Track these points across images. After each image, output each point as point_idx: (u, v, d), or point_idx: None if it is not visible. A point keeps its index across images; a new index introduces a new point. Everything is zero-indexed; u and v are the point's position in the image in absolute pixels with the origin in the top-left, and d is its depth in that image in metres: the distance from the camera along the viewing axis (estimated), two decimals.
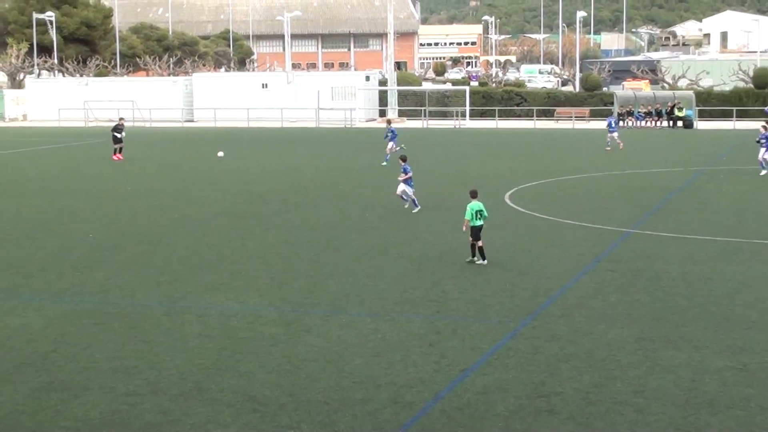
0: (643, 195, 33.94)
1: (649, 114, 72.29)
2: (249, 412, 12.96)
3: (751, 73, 79.64)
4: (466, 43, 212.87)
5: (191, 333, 16.69)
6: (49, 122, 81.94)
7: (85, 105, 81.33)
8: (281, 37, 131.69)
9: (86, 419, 12.78)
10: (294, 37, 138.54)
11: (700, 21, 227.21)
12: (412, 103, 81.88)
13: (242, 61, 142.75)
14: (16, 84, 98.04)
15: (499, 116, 76.43)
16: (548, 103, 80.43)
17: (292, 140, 62.76)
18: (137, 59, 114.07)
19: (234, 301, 19.05)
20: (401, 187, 29.76)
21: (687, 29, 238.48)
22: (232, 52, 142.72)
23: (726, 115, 72.18)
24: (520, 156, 50.15)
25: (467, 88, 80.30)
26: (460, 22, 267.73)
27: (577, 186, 36.89)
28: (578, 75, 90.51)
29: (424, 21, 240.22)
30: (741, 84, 79.75)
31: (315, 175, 41.05)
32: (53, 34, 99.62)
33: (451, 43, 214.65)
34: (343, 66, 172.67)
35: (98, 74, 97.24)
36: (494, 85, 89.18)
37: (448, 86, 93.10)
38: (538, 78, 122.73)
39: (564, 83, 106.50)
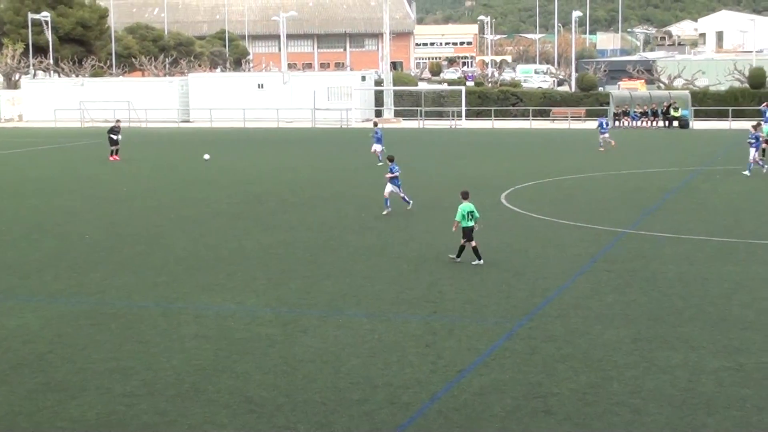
0: (640, 195, 33.96)
1: (644, 114, 72.33)
2: (246, 412, 12.96)
3: (747, 73, 79.70)
4: (461, 43, 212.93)
5: (188, 334, 16.69)
6: (45, 123, 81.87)
7: (81, 105, 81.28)
8: (277, 37, 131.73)
9: (83, 420, 12.77)
10: (290, 37, 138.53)
11: (696, 21, 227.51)
12: (408, 103, 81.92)
13: (238, 61, 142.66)
14: (11, 84, 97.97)
15: (495, 116, 76.46)
16: (544, 103, 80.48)
17: (289, 140, 62.76)
18: (133, 59, 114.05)
19: (231, 301, 19.05)
20: (389, 187, 29.54)
21: (683, 29, 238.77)
22: (227, 52, 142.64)
23: (722, 114, 72.26)
24: (516, 156, 50.17)
25: (463, 88, 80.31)
26: (455, 22, 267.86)
27: (574, 186, 36.91)
28: (574, 75, 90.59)
29: (420, 21, 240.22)
30: (737, 84, 79.83)
31: (311, 176, 41.05)
32: (49, 34, 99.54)
33: (446, 43, 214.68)
34: (339, 66, 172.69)
35: (94, 74, 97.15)
36: (490, 85, 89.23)
37: (444, 86, 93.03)
38: (533, 78, 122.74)
39: (560, 83, 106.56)
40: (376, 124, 48.69)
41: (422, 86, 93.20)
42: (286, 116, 78.58)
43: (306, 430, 12.36)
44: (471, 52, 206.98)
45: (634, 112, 72.60)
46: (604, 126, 52.88)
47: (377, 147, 45.15)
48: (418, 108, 78.01)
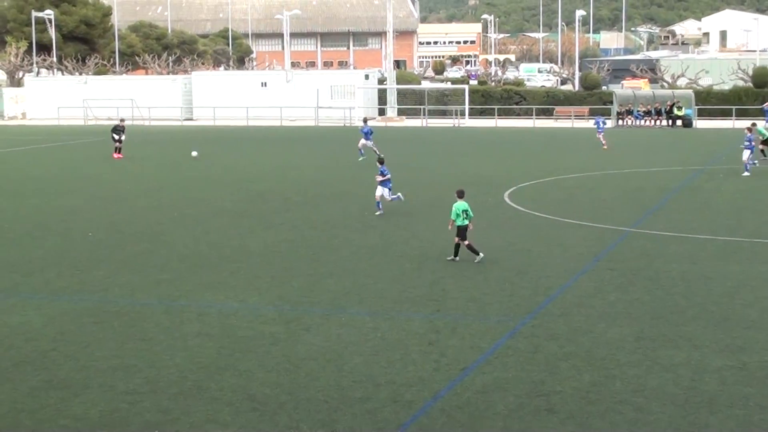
0: (643, 194, 33.94)
1: (648, 113, 72.27)
2: (248, 410, 12.96)
3: (751, 72, 79.65)
4: (465, 42, 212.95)
5: (191, 332, 16.69)
6: (48, 120, 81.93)
7: (84, 103, 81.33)
8: (280, 35, 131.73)
9: (86, 418, 12.77)
10: (293, 35, 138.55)
11: (700, 20, 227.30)
12: (412, 101, 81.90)
13: (241, 59, 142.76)
14: (15, 82, 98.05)
15: (498, 115, 76.45)
16: (547, 102, 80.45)
17: (291, 139, 62.76)
18: (136, 58, 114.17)
19: (233, 299, 19.05)
20: (380, 190, 29.20)
21: (686, 28, 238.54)
22: (231, 50, 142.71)
23: (725, 114, 72.19)
24: (519, 155, 50.15)
25: (466, 87, 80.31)
26: (459, 20, 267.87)
27: (577, 185, 36.88)
28: (577, 74, 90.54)
29: (424, 20, 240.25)
30: (740, 83, 79.77)
31: (314, 174, 41.05)
32: (52, 32, 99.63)
33: (450, 42, 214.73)
34: (343, 65, 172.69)
35: (97, 72, 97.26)
36: (493, 83, 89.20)
37: (447, 85, 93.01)
38: (537, 77, 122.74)
39: (563, 82, 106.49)
40: (366, 121, 48.61)
41: (425, 85, 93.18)
42: (289, 114, 78.59)
43: (309, 428, 12.36)
44: (474, 50, 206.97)
45: (638, 111, 72.55)
46: (600, 126, 52.99)
47: (366, 142, 45.08)
48: (422, 106, 77.99)
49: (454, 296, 19.10)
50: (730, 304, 18.40)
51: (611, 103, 74.44)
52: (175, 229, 27.65)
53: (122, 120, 52.04)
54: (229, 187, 36.66)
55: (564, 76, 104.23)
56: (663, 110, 71.54)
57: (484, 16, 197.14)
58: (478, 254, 22.12)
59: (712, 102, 75.48)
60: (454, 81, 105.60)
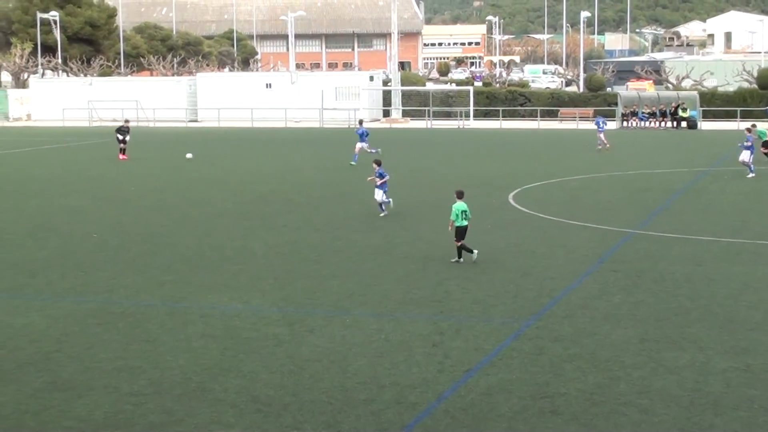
0: (647, 196, 33.91)
1: (653, 114, 72.19)
2: (252, 412, 12.96)
3: (756, 74, 79.53)
4: (469, 44, 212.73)
5: (194, 333, 16.69)
6: (53, 122, 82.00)
7: (89, 105, 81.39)
8: (285, 37, 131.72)
9: (90, 419, 12.77)
10: (298, 37, 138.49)
11: (705, 21, 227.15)
12: (416, 103, 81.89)
13: (246, 61, 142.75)
14: (20, 84, 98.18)
15: (502, 116, 76.41)
16: (552, 103, 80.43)
17: (296, 140, 62.78)
18: (141, 59, 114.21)
19: (237, 301, 19.05)
20: (379, 193, 28.98)
21: (691, 30, 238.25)
22: (235, 52, 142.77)
23: (730, 115, 72.08)
24: (523, 156, 50.12)
25: (471, 89, 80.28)
26: (463, 22, 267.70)
27: (581, 187, 36.86)
28: (582, 75, 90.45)
29: (428, 21, 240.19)
30: (745, 84, 79.67)
31: (318, 175, 41.06)
32: (57, 33, 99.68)
33: (454, 44, 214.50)
34: (347, 66, 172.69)
35: (102, 74, 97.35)
36: (498, 85, 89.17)
37: (450, 87, 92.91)
38: (541, 78, 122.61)
39: (568, 83, 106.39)
40: (361, 123, 48.50)
41: (430, 86, 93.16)
42: (293, 116, 78.62)
43: (313, 430, 12.35)
44: (479, 52, 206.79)
45: (642, 112, 72.45)
46: (601, 125, 53.02)
47: (362, 145, 44.85)
48: (426, 108, 77.98)
49: (459, 298, 19.09)
50: (734, 305, 18.37)
51: (616, 104, 74.36)
52: (179, 230, 27.66)
53: (127, 121, 52.09)
54: (233, 189, 36.67)
55: (569, 77, 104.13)
56: (668, 112, 71.46)
57: (489, 17, 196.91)
58: (472, 252, 22.14)
59: (716, 103, 75.39)
60: (458, 82, 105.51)
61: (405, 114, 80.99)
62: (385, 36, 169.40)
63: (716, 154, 49.54)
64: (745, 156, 38.81)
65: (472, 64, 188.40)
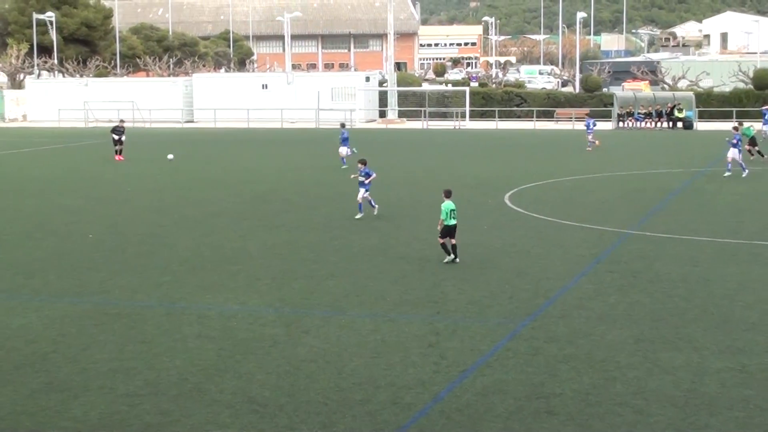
0: (643, 196, 33.95)
1: (649, 115, 72.29)
2: (248, 412, 12.97)
3: (751, 74, 79.65)
4: (466, 44, 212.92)
5: (191, 334, 16.70)
6: (49, 123, 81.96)
7: (85, 105, 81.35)
8: (281, 37, 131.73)
9: (86, 420, 12.78)
10: (294, 37, 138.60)
11: (700, 22, 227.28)
12: (412, 103, 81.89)
13: (242, 61, 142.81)
14: (16, 84, 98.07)
15: (499, 117, 76.46)
16: (548, 104, 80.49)
17: (293, 141, 62.78)
18: (137, 60, 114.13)
19: (234, 301, 19.05)
20: (362, 192, 28.74)
21: (687, 30, 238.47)
22: (232, 52, 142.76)
23: (726, 116, 72.18)
24: (520, 157, 50.17)
25: (467, 89, 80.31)
26: (460, 22, 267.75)
27: (577, 187, 36.89)
28: (578, 76, 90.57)
29: (424, 22, 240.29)
30: (741, 85, 79.77)
31: (315, 176, 41.06)
32: (53, 34, 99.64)
33: (451, 44, 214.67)
34: (343, 67, 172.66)
35: (98, 75, 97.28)
36: (494, 85, 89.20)
37: (445, 87, 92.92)
38: (538, 79, 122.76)
39: (564, 84, 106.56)
40: (343, 126, 48.28)
41: (426, 87, 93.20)
42: (290, 116, 78.61)
43: (309, 430, 12.36)
44: (475, 52, 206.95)
45: (638, 113, 72.55)
46: (591, 126, 53.28)
47: (343, 150, 44.53)
48: (422, 108, 78.01)
49: (454, 298, 19.11)
50: (730, 306, 18.40)
51: (612, 105, 74.44)
52: (176, 230, 27.66)
53: (122, 121, 52.11)
54: (230, 189, 36.68)
55: (565, 78, 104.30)
56: (664, 112, 71.58)
57: (485, 18, 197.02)
58: (450, 256, 22.22)
59: (712, 104, 75.51)
60: (454, 83, 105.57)
61: (401, 115, 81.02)
62: (382, 37, 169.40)
63: (712, 155, 49.55)
64: (734, 153, 38.83)
65: (468, 64, 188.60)
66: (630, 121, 72.53)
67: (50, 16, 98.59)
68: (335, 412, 12.93)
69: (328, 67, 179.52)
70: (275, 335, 16.57)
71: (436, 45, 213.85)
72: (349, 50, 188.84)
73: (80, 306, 18.81)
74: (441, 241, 22.37)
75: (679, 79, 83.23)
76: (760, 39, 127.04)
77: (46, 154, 54.87)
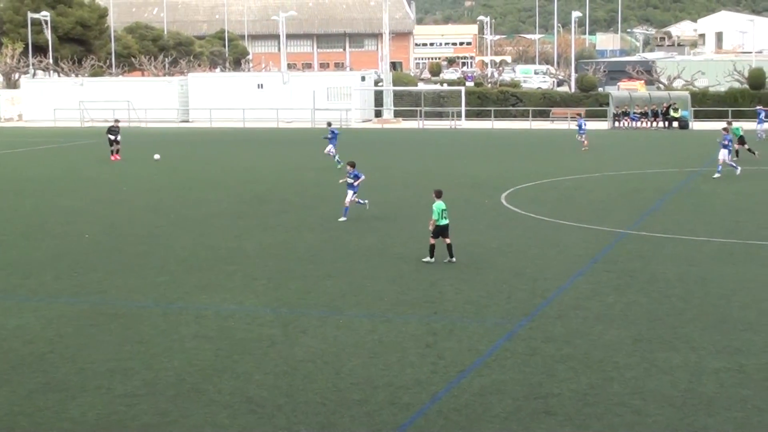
0: (640, 196, 33.97)
1: (644, 114, 72.30)
2: (246, 413, 12.96)
3: (746, 74, 79.68)
4: (461, 44, 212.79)
5: (188, 334, 16.69)
6: (45, 122, 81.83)
7: (81, 105, 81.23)
8: (276, 37, 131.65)
9: (83, 420, 12.77)
10: (289, 37, 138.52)
11: (696, 21, 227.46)
12: (408, 103, 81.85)
13: (237, 61, 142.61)
14: (11, 84, 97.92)
15: (494, 117, 76.42)
16: (544, 103, 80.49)
17: (288, 141, 62.73)
18: (132, 59, 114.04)
19: (231, 302, 19.04)
20: (350, 195, 28.52)
21: (682, 30, 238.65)
22: (227, 52, 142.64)
23: (721, 115, 72.07)
24: (516, 157, 50.19)
25: (463, 89, 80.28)
26: (455, 22, 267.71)
27: (574, 187, 36.91)
28: (573, 75, 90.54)
29: (420, 21, 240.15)
30: (736, 84, 79.79)
31: (311, 176, 41.03)
32: (48, 33, 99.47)
33: (446, 44, 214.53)
34: (339, 66, 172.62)
35: (93, 74, 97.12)
36: (490, 85, 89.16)
37: (441, 87, 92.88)
38: (533, 78, 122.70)
39: (559, 84, 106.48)
40: (330, 124, 48.16)
41: (422, 86, 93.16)
42: (285, 116, 78.55)
43: (306, 431, 12.36)
44: (471, 52, 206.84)
45: (634, 112, 72.57)
46: (582, 127, 53.41)
47: (331, 149, 44.42)
48: (418, 108, 77.99)
49: (452, 298, 19.11)
50: (727, 306, 18.42)
51: (607, 104, 74.45)
52: (173, 231, 27.64)
53: (116, 121, 52.06)
54: (226, 189, 36.65)
55: (560, 77, 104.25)
56: (659, 112, 71.59)
57: (480, 17, 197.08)
58: (431, 258, 22.30)
59: (708, 103, 75.52)
60: (450, 83, 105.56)
61: (397, 114, 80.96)
62: (377, 36, 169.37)
63: (708, 154, 49.55)
64: (724, 155, 38.85)
65: (463, 64, 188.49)
66: (625, 120, 72.53)
67: (45, 15, 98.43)
68: (333, 413, 12.93)
69: (324, 66, 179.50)
70: (273, 335, 16.57)
71: (432, 44, 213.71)
72: (345, 50, 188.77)
73: (77, 306, 18.79)
74: (432, 241, 22.37)
75: (675, 78, 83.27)
76: (755, 38, 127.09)
77: (41, 153, 54.80)
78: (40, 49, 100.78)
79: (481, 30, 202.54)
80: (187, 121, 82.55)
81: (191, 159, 49.62)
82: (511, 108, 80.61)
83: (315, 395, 13.59)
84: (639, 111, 72.59)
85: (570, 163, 45.58)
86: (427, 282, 20.52)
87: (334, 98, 79.60)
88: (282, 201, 33.39)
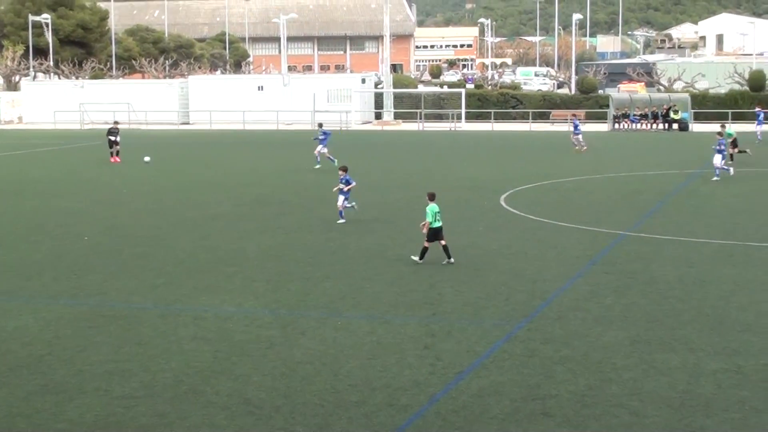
0: (639, 197, 33.97)
1: (644, 116, 72.32)
2: (244, 414, 12.96)
3: (747, 76, 79.72)
4: (462, 46, 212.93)
5: (187, 336, 16.69)
6: (45, 124, 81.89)
7: (81, 107, 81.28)
8: (277, 39, 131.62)
9: (81, 422, 12.77)
10: (290, 39, 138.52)
11: (696, 24, 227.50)
12: (408, 105, 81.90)
13: (238, 63, 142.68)
14: (11, 86, 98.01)
15: (494, 119, 76.45)
16: (544, 105, 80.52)
17: (288, 143, 62.74)
18: (133, 61, 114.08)
19: (230, 303, 19.04)
20: (342, 199, 28.48)
21: (683, 32, 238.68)
22: (228, 54, 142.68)
23: (721, 117, 72.02)
24: (515, 158, 50.19)
25: (463, 91, 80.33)
26: (456, 24, 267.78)
27: (573, 188, 36.91)
28: (574, 77, 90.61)
29: (420, 23, 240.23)
30: (736, 86, 79.83)
31: (311, 178, 41.05)
32: (49, 36, 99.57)
33: (447, 46, 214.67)
34: (339, 68, 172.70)
35: (94, 76, 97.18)
36: (490, 87, 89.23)
37: (441, 89, 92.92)
38: (533, 80, 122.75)
39: (560, 86, 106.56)
40: (321, 125, 48.08)
41: (422, 89, 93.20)
42: (285, 118, 78.58)
43: None
44: (471, 54, 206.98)
45: (634, 114, 72.60)
46: (578, 127, 53.48)
47: (323, 149, 44.29)
48: (418, 110, 78.01)
49: (450, 300, 19.11)
50: (725, 307, 18.42)
51: (608, 106, 74.46)
52: (172, 232, 27.64)
53: (116, 122, 52.10)
54: (226, 191, 36.66)
55: (560, 79, 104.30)
56: (659, 114, 71.60)
57: (481, 19, 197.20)
58: (420, 259, 22.32)
59: (708, 105, 75.53)
60: (450, 85, 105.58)
61: (397, 116, 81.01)
62: (378, 38, 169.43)
63: (708, 156, 49.48)
64: (718, 160, 38.81)
65: (464, 66, 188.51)
66: (626, 122, 72.54)
67: (46, 18, 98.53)
68: (331, 414, 12.93)
69: (324, 69, 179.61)
70: (271, 337, 16.57)
71: (432, 47, 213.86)
72: (345, 52, 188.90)
73: (76, 308, 18.79)
74: (427, 245, 22.35)
75: (675, 80, 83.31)
76: (756, 41, 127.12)
77: (42, 156, 54.82)
78: (40, 52, 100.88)
79: (481, 32, 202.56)
80: (188, 124, 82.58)
81: (191, 161, 49.64)
82: (511, 110, 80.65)
83: (313, 396, 13.59)
84: (639, 113, 72.61)
85: (570, 164, 45.59)
86: (426, 284, 20.52)
87: (335, 100, 79.65)
88: (281, 203, 33.40)
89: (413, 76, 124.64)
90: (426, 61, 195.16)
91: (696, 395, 13.53)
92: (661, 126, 71.39)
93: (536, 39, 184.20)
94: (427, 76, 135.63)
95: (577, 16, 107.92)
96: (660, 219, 29.31)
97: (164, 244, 25.77)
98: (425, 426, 12.53)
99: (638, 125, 72.11)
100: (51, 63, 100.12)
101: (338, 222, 28.50)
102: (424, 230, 22.38)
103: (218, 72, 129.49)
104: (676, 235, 26.12)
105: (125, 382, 14.22)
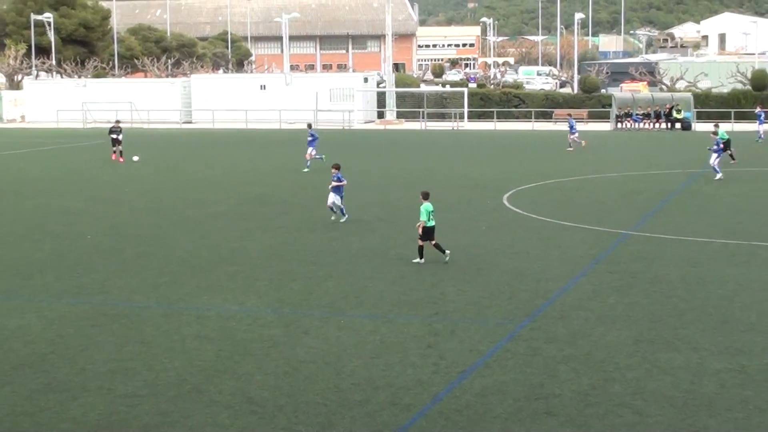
0: (642, 197, 33.96)
1: (647, 116, 72.29)
2: (247, 413, 12.96)
3: (749, 75, 79.68)
4: (464, 45, 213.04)
5: (189, 334, 16.69)
6: (47, 123, 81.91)
7: (83, 106, 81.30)
8: (279, 38, 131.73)
9: (84, 421, 12.77)
10: (292, 38, 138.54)
11: (699, 23, 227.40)
12: (411, 104, 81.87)
13: (240, 62, 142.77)
14: (14, 85, 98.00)
15: (497, 118, 76.45)
16: (546, 104, 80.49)
17: (291, 142, 62.71)
18: (135, 60, 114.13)
19: (232, 302, 19.04)
20: (332, 197, 28.48)
21: (685, 31, 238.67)
22: (230, 53, 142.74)
23: (724, 117, 72.10)
24: (518, 158, 50.18)
25: (465, 90, 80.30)
26: (458, 23, 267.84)
27: (576, 188, 36.90)
28: (576, 77, 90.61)
29: (423, 23, 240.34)
30: (739, 86, 79.80)
31: (313, 177, 41.02)
32: (51, 35, 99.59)
33: (449, 45, 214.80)
34: (342, 67, 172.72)
35: (96, 75, 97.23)
36: (492, 86, 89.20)
37: (444, 88, 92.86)
38: (536, 80, 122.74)
39: (562, 85, 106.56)
40: (310, 126, 47.86)
41: (424, 88, 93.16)
42: (288, 117, 78.58)
43: (307, 431, 12.35)
44: (473, 53, 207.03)
45: (637, 114, 72.56)
46: (574, 128, 53.59)
47: (312, 152, 44.02)
48: (421, 109, 78.00)
49: (453, 299, 19.10)
50: (729, 306, 18.40)
51: (610, 106, 74.43)
52: (174, 231, 27.65)
53: (118, 121, 52.11)
54: (228, 190, 36.66)
55: (563, 79, 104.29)
56: (662, 113, 71.58)
57: (483, 19, 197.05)
58: (421, 259, 22.36)
59: (710, 105, 75.51)
60: (453, 84, 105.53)
61: (399, 115, 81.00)
62: (380, 37, 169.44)
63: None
64: (713, 159, 38.76)
65: (466, 65, 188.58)
66: (628, 122, 72.52)
67: (48, 17, 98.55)
68: (334, 413, 12.92)
69: (327, 68, 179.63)
70: (274, 336, 16.56)
71: (435, 46, 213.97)
72: (348, 51, 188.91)
73: (79, 307, 18.79)
74: (421, 243, 22.40)
75: (678, 80, 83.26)
76: (758, 40, 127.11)
77: (44, 154, 54.84)
78: (43, 51, 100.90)
79: (484, 32, 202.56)
80: (190, 122, 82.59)
81: (193, 160, 49.63)
82: (513, 109, 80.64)
83: (316, 396, 13.58)
84: (641, 112, 72.57)
85: (572, 164, 45.57)
86: (429, 283, 20.51)
87: (337, 99, 79.62)
88: (284, 202, 33.40)
89: (415, 76, 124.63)
90: (428, 60, 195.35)
91: (699, 395, 13.51)
92: (663, 125, 71.36)
93: (538, 38, 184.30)
94: (429, 76, 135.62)
95: (579, 16, 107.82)
96: (663, 218, 29.29)
97: (166, 242, 25.77)
98: (428, 425, 12.52)
99: (641, 125, 72.08)
100: (53, 62, 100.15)
101: (341, 220, 28.46)
102: (420, 231, 22.38)
103: (220, 71, 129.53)
104: (678, 235, 26.10)
105: (128, 381, 14.22)
